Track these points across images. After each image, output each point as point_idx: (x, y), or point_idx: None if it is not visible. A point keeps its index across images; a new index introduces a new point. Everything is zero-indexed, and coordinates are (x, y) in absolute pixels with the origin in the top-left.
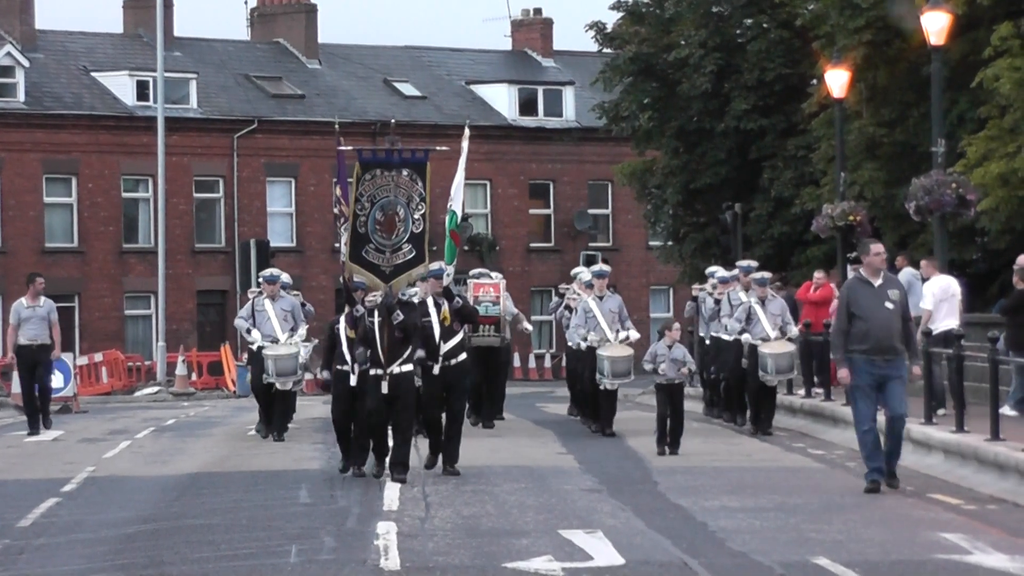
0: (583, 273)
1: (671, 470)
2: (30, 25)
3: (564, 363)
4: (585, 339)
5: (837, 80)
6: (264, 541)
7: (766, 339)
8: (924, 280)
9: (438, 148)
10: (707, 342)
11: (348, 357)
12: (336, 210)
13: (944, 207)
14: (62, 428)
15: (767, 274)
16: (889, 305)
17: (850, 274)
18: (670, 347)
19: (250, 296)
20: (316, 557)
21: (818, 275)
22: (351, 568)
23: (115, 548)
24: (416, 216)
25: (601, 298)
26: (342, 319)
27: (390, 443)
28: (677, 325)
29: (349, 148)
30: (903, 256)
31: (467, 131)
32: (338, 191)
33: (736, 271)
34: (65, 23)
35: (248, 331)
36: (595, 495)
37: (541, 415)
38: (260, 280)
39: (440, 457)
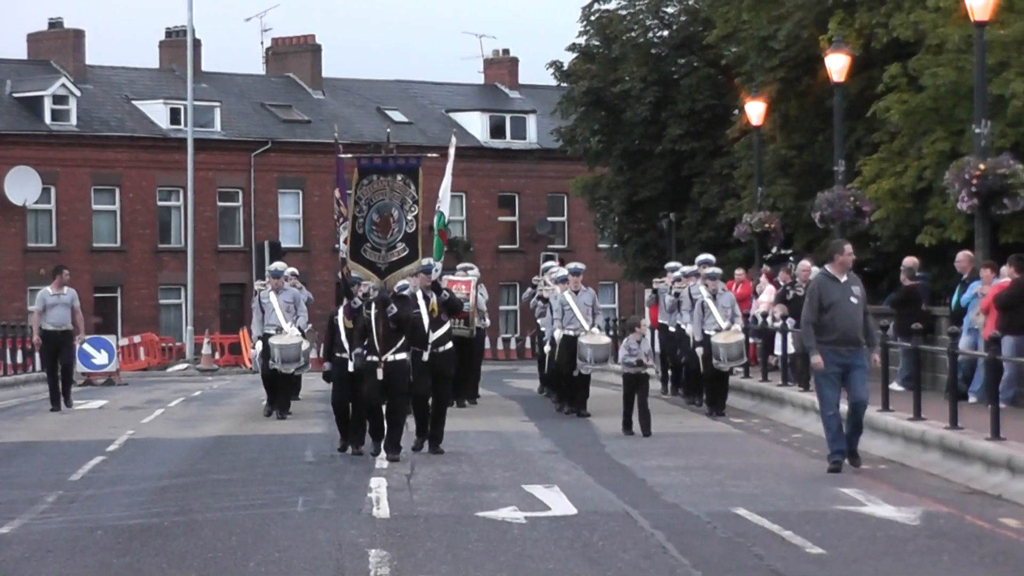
0: (554, 269)
1: (616, 436)
2: (81, 61)
3: (530, 344)
4: (564, 331)
5: (755, 110)
6: (276, 493)
7: (719, 329)
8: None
9: (429, 155)
10: (671, 329)
11: (346, 345)
12: (336, 212)
13: (844, 216)
14: (106, 398)
15: (718, 270)
16: (853, 300)
17: (797, 271)
18: (639, 342)
19: (256, 289)
20: (319, 506)
21: (739, 272)
22: (348, 516)
23: (151, 498)
24: (409, 217)
25: (577, 292)
26: (340, 311)
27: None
28: (645, 321)
29: (349, 156)
30: (810, 258)
31: (454, 139)
32: (337, 194)
33: (695, 267)
34: (110, 59)
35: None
36: (553, 456)
37: (508, 389)
38: (267, 273)
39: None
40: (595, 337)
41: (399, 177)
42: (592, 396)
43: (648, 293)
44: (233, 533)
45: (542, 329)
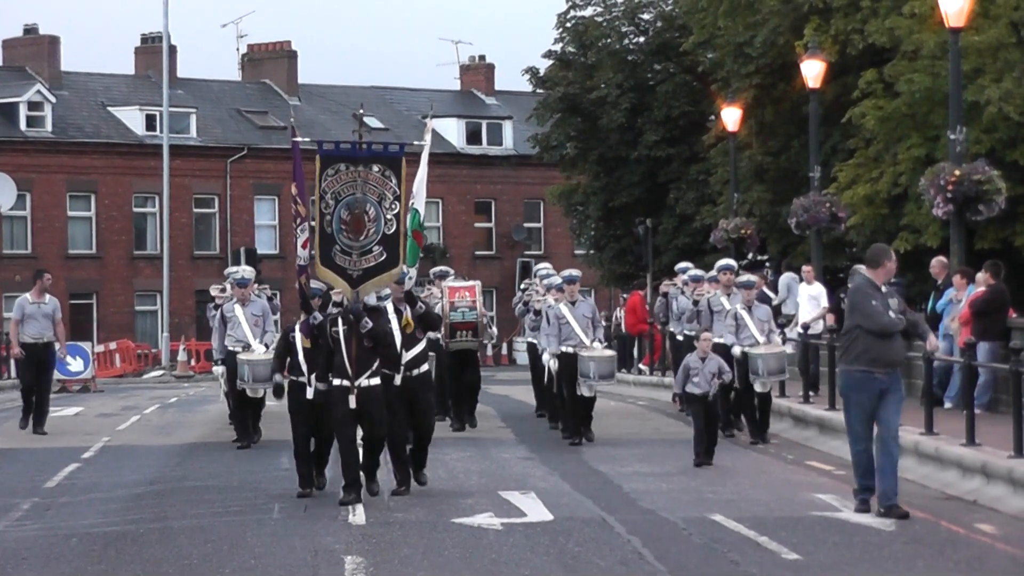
0: (550, 275)
1: (593, 443)
2: (56, 67)
3: (506, 350)
4: (565, 349)
5: (731, 116)
6: (251, 500)
7: (754, 346)
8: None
9: (415, 143)
10: (679, 338)
11: (304, 368)
12: (292, 211)
13: (819, 222)
14: (82, 405)
15: (754, 278)
16: (892, 315)
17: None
18: (703, 359)
19: (213, 294)
20: (295, 514)
21: None
22: (324, 523)
23: (126, 505)
24: (389, 216)
25: (574, 303)
26: (297, 327)
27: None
28: (706, 335)
29: (306, 140)
30: (785, 264)
31: (429, 123)
32: (294, 190)
33: (714, 272)
34: (86, 65)
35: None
36: (529, 462)
37: (486, 396)
38: (231, 282)
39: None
40: (597, 351)
41: (375, 168)
42: (606, 412)
43: (659, 301)
44: (209, 540)
45: (530, 340)
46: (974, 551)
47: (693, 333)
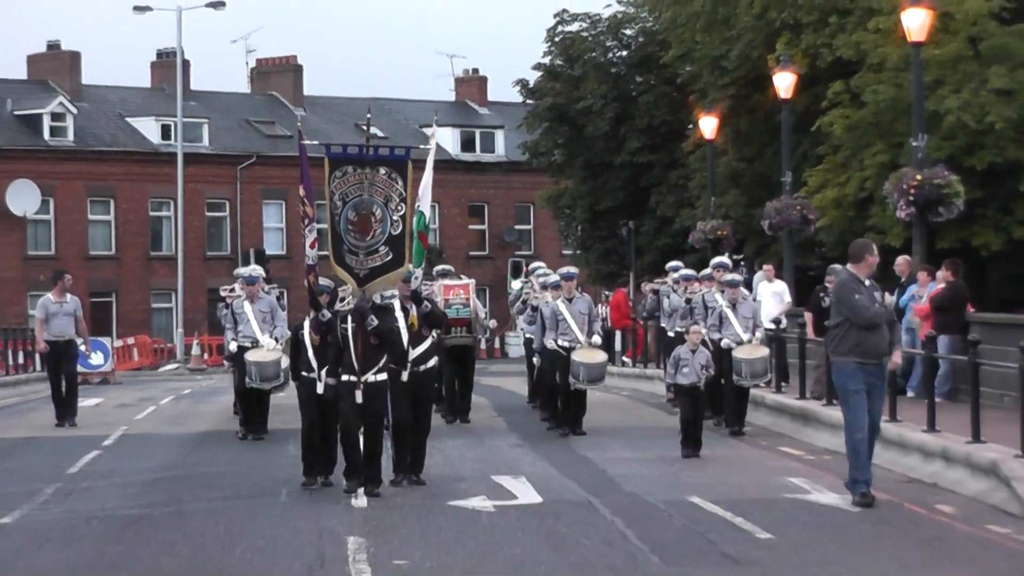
0: (546, 273)
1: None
2: (77, 80)
3: (498, 344)
4: (557, 343)
5: (708, 125)
6: (260, 484)
7: (739, 342)
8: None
9: (422, 147)
10: (670, 335)
11: (314, 363)
12: (301, 211)
13: (791, 224)
14: (102, 396)
15: (738, 276)
16: (878, 307)
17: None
18: (693, 352)
19: (223, 294)
20: (301, 497)
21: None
22: (328, 506)
23: (143, 490)
24: (395, 217)
25: (570, 300)
26: (306, 324)
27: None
28: (696, 329)
29: (313, 143)
30: (756, 263)
31: (434, 131)
32: (301, 191)
33: (708, 270)
34: (105, 79)
35: (230, 343)
36: (520, 449)
37: (478, 388)
38: (240, 281)
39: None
40: (590, 353)
41: (382, 171)
42: (591, 403)
43: (650, 298)
44: (220, 522)
45: (528, 336)
46: (935, 530)
47: (683, 329)
